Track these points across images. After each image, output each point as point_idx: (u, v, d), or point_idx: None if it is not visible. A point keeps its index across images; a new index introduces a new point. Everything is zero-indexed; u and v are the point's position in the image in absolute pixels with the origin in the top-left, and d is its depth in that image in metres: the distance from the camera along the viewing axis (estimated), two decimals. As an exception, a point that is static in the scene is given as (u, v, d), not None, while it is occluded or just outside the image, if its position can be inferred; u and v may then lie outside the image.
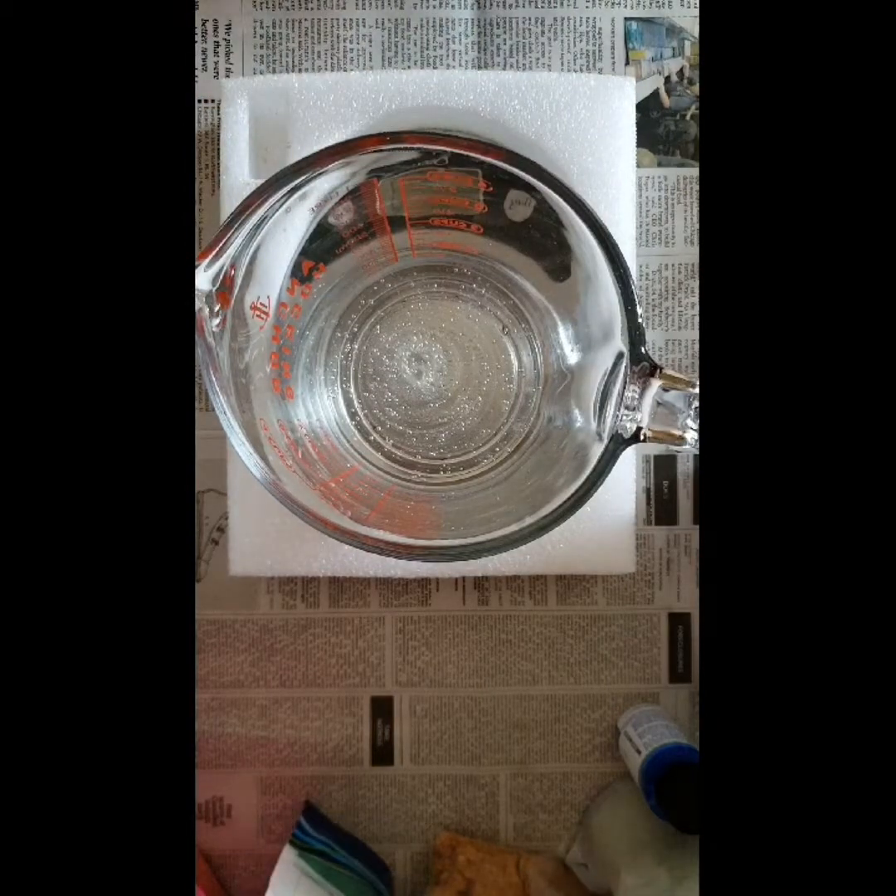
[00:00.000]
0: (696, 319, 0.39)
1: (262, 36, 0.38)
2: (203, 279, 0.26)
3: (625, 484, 0.35)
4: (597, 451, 0.27)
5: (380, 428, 0.35)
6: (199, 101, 0.38)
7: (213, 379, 0.27)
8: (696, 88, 0.38)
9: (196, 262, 0.26)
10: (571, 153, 0.34)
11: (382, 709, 0.39)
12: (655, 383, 0.25)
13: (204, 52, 0.38)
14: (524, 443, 0.35)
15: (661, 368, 0.25)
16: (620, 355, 0.27)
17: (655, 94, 0.38)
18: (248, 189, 0.27)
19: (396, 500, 0.33)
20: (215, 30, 0.38)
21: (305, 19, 0.38)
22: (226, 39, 0.38)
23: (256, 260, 0.28)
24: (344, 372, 0.35)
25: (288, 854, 0.34)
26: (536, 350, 0.35)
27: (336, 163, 0.26)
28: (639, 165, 0.37)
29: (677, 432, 0.26)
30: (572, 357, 0.33)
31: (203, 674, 0.39)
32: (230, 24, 0.38)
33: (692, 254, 0.39)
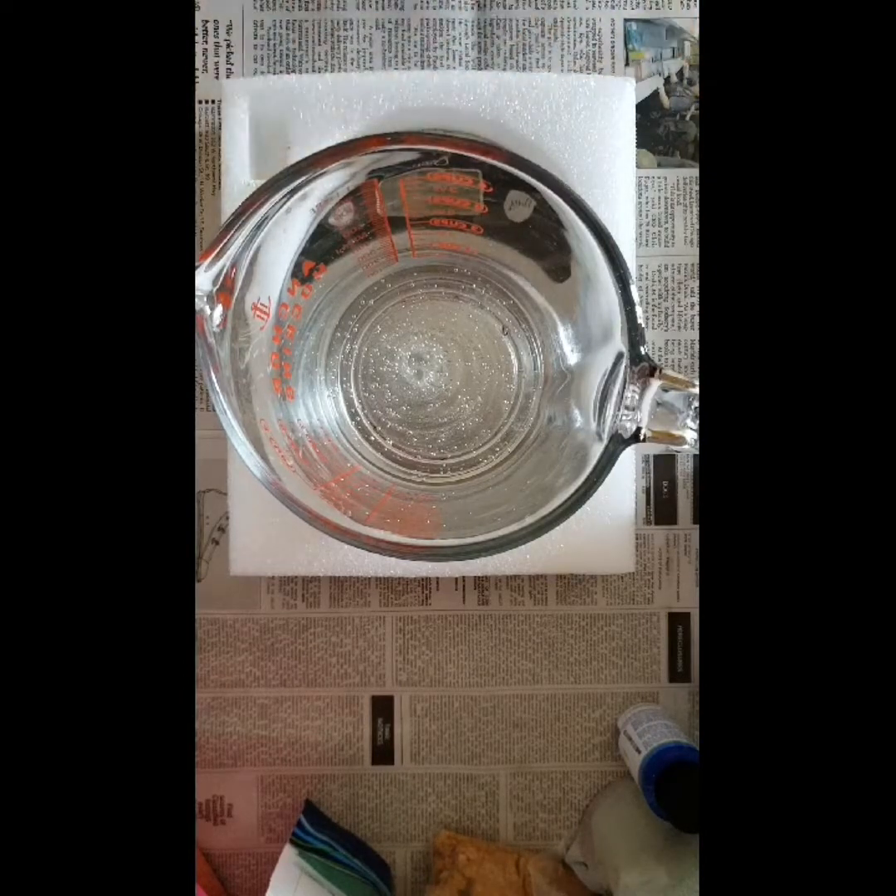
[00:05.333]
0: (696, 319, 0.39)
1: (262, 36, 0.38)
2: (204, 279, 0.26)
3: (624, 484, 0.35)
4: (596, 451, 0.27)
5: (380, 428, 0.35)
6: (200, 101, 0.38)
7: (214, 379, 0.27)
8: (696, 89, 0.38)
9: (197, 263, 0.26)
10: (571, 153, 0.34)
11: (383, 708, 0.39)
12: (655, 383, 0.25)
13: (204, 52, 0.38)
14: (524, 443, 0.35)
15: (661, 369, 0.25)
16: (620, 355, 0.27)
17: (655, 94, 0.38)
18: (249, 190, 0.27)
19: (397, 500, 0.33)
20: (216, 30, 0.38)
21: (305, 20, 0.38)
22: (226, 40, 0.38)
23: (257, 260, 0.28)
24: (344, 372, 0.35)
25: (288, 853, 0.34)
26: (536, 350, 0.35)
27: (336, 163, 0.26)
28: (639, 166, 0.37)
29: (677, 432, 0.26)
30: (572, 357, 0.33)
31: (203, 673, 0.39)
32: (231, 25, 0.38)
33: (692, 254, 0.39)
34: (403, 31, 0.38)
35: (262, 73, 0.38)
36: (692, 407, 0.25)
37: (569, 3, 0.38)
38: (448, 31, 0.38)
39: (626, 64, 0.38)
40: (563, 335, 0.33)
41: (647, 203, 0.38)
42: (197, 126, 0.38)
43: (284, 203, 0.27)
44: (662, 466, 0.39)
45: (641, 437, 0.26)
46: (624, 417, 0.26)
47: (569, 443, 0.32)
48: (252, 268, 0.28)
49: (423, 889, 0.39)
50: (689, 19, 0.38)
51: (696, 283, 0.39)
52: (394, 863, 0.39)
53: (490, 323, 0.35)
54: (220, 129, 0.35)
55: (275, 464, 0.28)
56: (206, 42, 0.38)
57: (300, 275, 0.31)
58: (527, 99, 0.34)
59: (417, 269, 0.34)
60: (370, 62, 0.38)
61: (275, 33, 0.38)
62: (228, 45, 0.38)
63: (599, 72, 0.38)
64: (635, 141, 0.35)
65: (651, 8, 0.38)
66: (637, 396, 0.26)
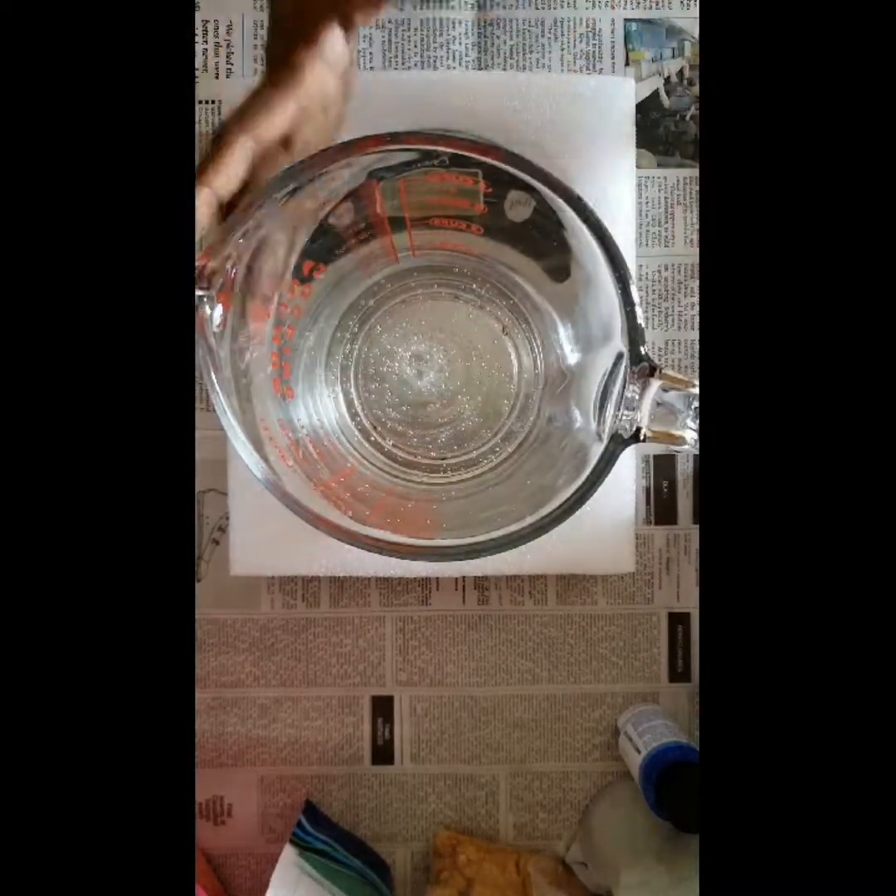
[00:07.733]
0: (696, 319, 0.39)
1: (262, 36, 0.38)
2: (204, 280, 0.26)
3: (625, 484, 0.35)
4: (596, 451, 0.27)
5: (380, 428, 0.35)
6: (200, 101, 0.38)
7: (214, 379, 0.27)
8: (696, 89, 0.38)
9: (197, 263, 0.26)
10: (571, 153, 0.34)
11: (383, 708, 0.39)
12: (655, 383, 0.25)
13: (205, 52, 0.38)
14: (524, 443, 0.35)
15: (661, 369, 0.25)
16: (620, 355, 0.27)
17: (655, 94, 0.38)
18: (249, 190, 0.27)
19: (397, 500, 0.33)
20: (216, 30, 0.38)
21: (306, 20, 0.38)
22: (227, 40, 0.38)
23: (257, 261, 0.28)
24: (344, 372, 0.35)
25: (288, 853, 0.34)
26: (536, 350, 0.35)
27: (336, 164, 0.26)
28: (639, 166, 0.37)
29: (677, 432, 0.26)
30: (572, 357, 0.33)
31: (204, 673, 0.39)
32: (231, 25, 0.38)
33: (692, 254, 0.39)
34: (403, 31, 0.38)
35: (262, 73, 0.38)
36: (692, 407, 0.25)
37: (569, 3, 0.38)
38: (448, 31, 0.38)
39: (626, 64, 0.38)
40: (563, 335, 0.33)
41: (647, 203, 0.38)
42: (197, 126, 0.38)
43: (285, 203, 0.27)
44: (662, 466, 0.39)
45: (641, 437, 0.26)
46: (624, 417, 0.26)
47: (569, 443, 0.32)
48: (252, 268, 0.28)
49: (423, 889, 0.39)
50: (689, 19, 0.38)
51: (696, 283, 0.39)
52: (394, 863, 0.39)
53: (490, 323, 0.35)
54: (220, 129, 0.35)
55: (275, 464, 0.28)
56: (206, 42, 0.38)
57: (300, 275, 0.31)
58: (527, 99, 0.34)
59: (417, 269, 0.34)
60: (370, 62, 0.38)
61: (275, 33, 0.38)
62: (228, 45, 0.38)
63: (599, 72, 0.38)
64: (635, 141, 0.35)
65: (651, 8, 0.38)
66: (637, 396, 0.26)
